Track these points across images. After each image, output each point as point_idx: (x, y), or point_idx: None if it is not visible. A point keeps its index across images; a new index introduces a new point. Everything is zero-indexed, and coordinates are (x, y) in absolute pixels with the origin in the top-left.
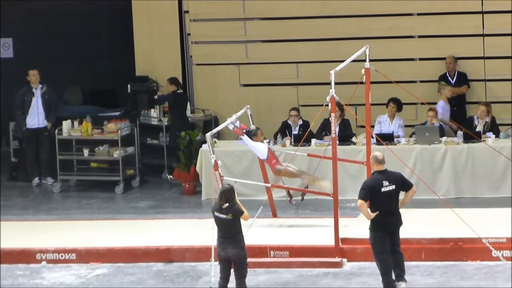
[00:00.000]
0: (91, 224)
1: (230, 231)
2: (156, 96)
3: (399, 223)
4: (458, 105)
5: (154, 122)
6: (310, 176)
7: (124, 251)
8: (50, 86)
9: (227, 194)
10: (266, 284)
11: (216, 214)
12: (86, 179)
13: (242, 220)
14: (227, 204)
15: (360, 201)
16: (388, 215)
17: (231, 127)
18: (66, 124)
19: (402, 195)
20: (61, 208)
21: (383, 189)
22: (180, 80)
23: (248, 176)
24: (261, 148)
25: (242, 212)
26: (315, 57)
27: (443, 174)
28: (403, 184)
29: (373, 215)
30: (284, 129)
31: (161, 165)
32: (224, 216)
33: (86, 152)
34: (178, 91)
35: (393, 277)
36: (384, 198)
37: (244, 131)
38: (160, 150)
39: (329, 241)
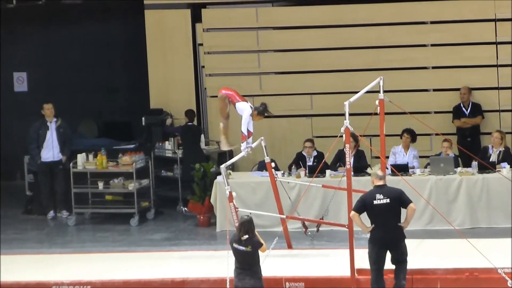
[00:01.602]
0: (106, 256)
1: (248, 263)
2: (165, 127)
3: (398, 238)
4: (472, 135)
5: (169, 154)
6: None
7: (140, 284)
8: (64, 119)
9: (247, 225)
10: None
11: (235, 245)
12: (101, 211)
13: (259, 252)
14: (247, 236)
15: (352, 212)
16: (382, 229)
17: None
18: (80, 157)
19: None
20: (76, 241)
21: (375, 202)
22: (195, 112)
23: (263, 207)
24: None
25: (261, 244)
26: (329, 88)
27: (458, 204)
28: (400, 200)
29: (368, 228)
30: (299, 160)
31: (176, 197)
32: (243, 248)
33: (101, 184)
34: (189, 124)
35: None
36: (378, 211)
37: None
38: (174, 182)
39: (345, 272)
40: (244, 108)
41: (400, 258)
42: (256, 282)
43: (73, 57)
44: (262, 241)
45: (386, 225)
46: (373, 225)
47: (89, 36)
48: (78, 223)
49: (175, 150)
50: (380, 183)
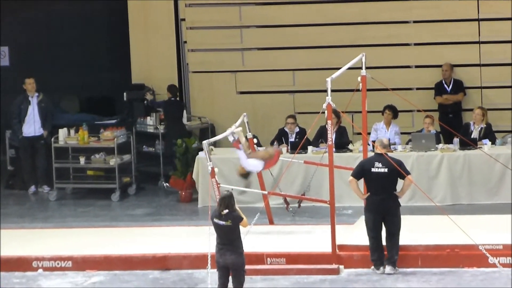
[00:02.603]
0: (87, 231)
1: (229, 238)
2: (146, 101)
3: (392, 206)
4: (454, 112)
5: (150, 129)
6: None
7: (121, 259)
8: (46, 94)
9: (227, 200)
10: None
11: (215, 220)
12: (83, 187)
13: (240, 227)
14: (227, 211)
15: (350, 178)
16: (378, 196)
17: (230, 138)
18: (62, 132)
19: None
20: (58, 216)
21: (373, 169)
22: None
23: None
24: (253, 166)
25: (242, 218)
26: (312, 65)
27: (439, 181)
28: (398, 171)
29: (364, 195)
30: (281, 137)
31: (158, 172)
32: (224, 222)
33: (82, 160)
34: (172, 99)
35: (380, 257)
36: (375, 179)
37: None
38: (156, 158)
39: (326, 248)
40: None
41: (393, 228)
42: (237, 257)
43: (55, 33)
44: (243, 215)
45: (382, 193)
46: (369, 193)
47: (72, 12)
48: (59, 198)
49: (157, 125)
50: (382, 151)
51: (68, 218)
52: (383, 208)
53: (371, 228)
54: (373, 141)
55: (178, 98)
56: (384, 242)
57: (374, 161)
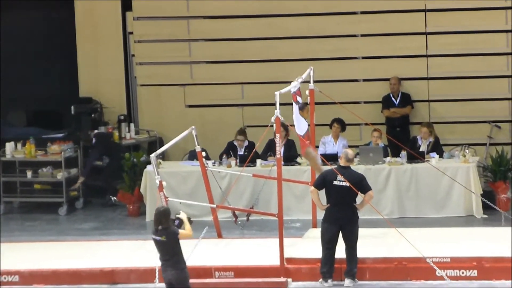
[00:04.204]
0: (35, 246)
1: (167, 253)
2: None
3: (351, 218)
4: (401, 125)
5: None
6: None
7: (68, 273)
8: None
9: (160, 216)
10: None
11: (153, 236)
12: (30, 200)
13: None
14: (160, 226)
15: (311, 188)
16: (338, 208)
17: (293, 90)
18: (9, 146)
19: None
20: (4, 230)
21: (335, 182)
22: (125, 101)
23: (194, 197)
24: (302, 125)
25: (177, 234)
26: (260, 78)
27: (387, 194)
28: (360, 186)
29: (323, 206)
30: (230, 150)
31: (105, 186)
32: (159, 238)
33: (29, 173)
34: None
35: (330, 270)
36: (337, 191)
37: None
38: (104, 172)
39: (274, 261)
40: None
41: (351, 240)
42: (179, 273)
43: (1, 46)
44: (182, 230)
45: (342, 205)
46: (329, 204)
47: (18, 25)
48: (6, 212)
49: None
50: (346, 164)
51: (15, 232)
52: (342, 220)
53: (327, 240)
54: (321, 155)
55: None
56: (338, 255)
57: (337, 174)
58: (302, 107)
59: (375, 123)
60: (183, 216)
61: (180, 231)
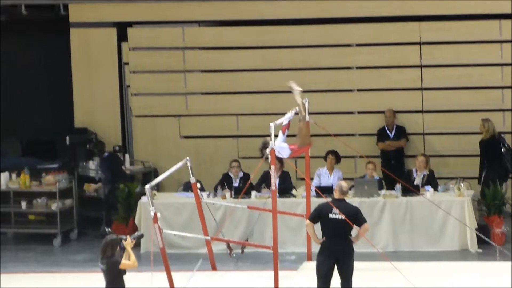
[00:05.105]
0: (29, 277)
1: (108, 282)
2: (88, 146)
3: (347, 251)
4: (396, 158)
5: (93, 174)
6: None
7: None
8: None
9: (106, 245)
10: None
11: (100, 265)
12: (24, 231)
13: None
14: (104, 255)
15: (307, 221)
16: (333, 241)
17: (285, 122)
18: (3, 176)
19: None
20: None
21: (330, 215)
22: (120, 132)
23: (188, 228)
24: (282, 149)
25: (118, 263)
26: (255, 109)
27: (382, 227)
28: (355, 219)
29: (319, 240)
30: (225, 181)
31: (100, 217)
32: (101, 266)
33: (24, 204)
34: (107, 154)
35: None
36: (332, 224)
37: None
38: (98, 203)
39: None
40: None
41: (347, 273)
42: None
43: None
44: (124, 259)
45: (338, 238)
46: (324, 238)
47: (14, 54)
48: (0, 243)
49: (99, 169)
50: (341, 197)
51: (9, 263)
52: (338, 253)
53: (323, 273)
54: (316, 187)
55: (119, 144)
56: None
57: (332, 207)
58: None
59: (370, 156)
60: (127, 244)
61: (123, 261)
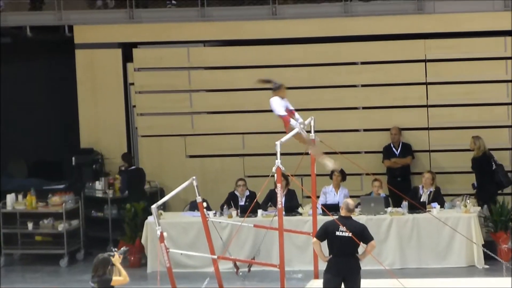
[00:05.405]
0: None
1: None
2: (94, 166)
3: (354, 268)
4: (402, 175)
5: (99, 194)
6: (315, 148)
7: None
8: None
9: (98, 264)
10: None
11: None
12: (31, 252)
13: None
14: (95, 274)
15: (314, 239)
16: (340, 259)
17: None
18: (10, 198)
19: None
20: (5, 282)
21: (337, 233)
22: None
23: (194, 247)
24: (278, 106)
25: (109, 281)
26: (261, 128)
27: (388, 244)
28: (361, 236)
29: (326, 258)
30: (231, 200)
31: (106, 237)
32: (92, 285)
33: (30, 225)
34: (131, 168)
35: None
36: (339, 242)
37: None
38: (105, 223)
39: None
40: (271, 100)
41: None
42: None
43: (2, 96)
44: (116, 276)
45: (345, 255)
46: (331, 256)
47: (19, 75)
48: (7, 264)
49: (105, 190)
50: (347, 214)
51: (16, 284)
52: (344, 271)
53: None
54: (322, 205)
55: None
56: None
57: (339, 224)
58: (277, 88)
59: (376, 173)
60: (116, 260)
61: (114, 278)
